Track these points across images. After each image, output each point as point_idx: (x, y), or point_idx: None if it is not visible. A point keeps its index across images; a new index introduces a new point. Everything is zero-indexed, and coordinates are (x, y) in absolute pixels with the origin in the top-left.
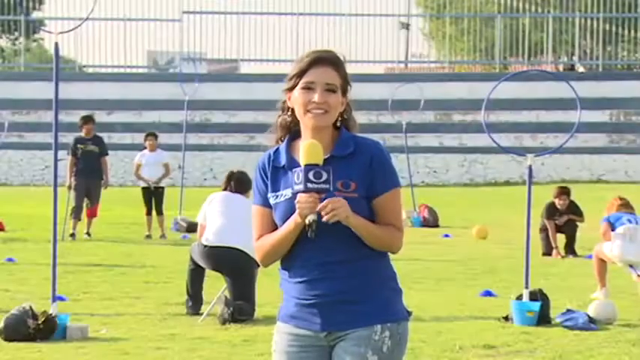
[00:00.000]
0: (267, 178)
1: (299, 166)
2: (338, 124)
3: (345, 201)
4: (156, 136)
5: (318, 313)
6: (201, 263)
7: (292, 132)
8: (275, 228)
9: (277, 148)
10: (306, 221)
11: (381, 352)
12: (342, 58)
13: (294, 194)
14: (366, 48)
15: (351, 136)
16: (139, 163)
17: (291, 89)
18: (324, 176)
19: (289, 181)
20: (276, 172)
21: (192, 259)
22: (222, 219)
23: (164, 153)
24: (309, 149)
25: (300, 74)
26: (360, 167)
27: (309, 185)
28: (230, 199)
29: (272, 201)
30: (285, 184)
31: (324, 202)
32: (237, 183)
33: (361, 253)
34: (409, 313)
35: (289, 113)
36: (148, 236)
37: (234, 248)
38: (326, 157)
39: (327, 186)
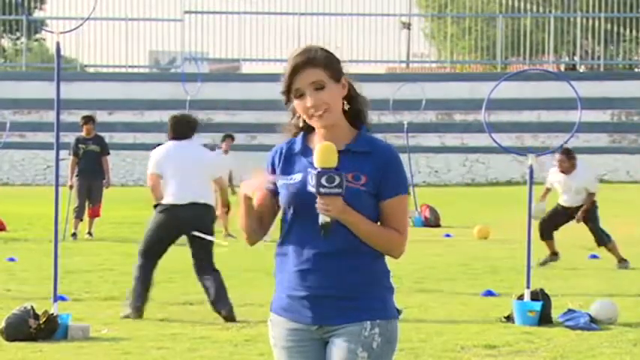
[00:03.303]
0: (274, 169)
1: (312, 154)
2: (347, 107)
3: (341, 200)
4: (232, 138)
5: (308, 306)
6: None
7: (308, 129)
8: (271, 213)
9: (294, 139)
10: (319, 222)
11: (372, 348)
12: (318, 50)
13: (303, 180)
14: (368, 48)
15: (370, 138)
16: None
17: (288, 100)
18: (337, 180)
19: (301, 166)
20: (289, 157)
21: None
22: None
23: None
24: (323, 152)
25: (288, 87)
26: (373, 166)
27: (322, 190)
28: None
29: (280, 183)
30: (297, 168)
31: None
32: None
33: (358, 246)
34: (399, 312)
35: (301, 117)
36: (230, 235)
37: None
38: (342, 149)
39: (340, 190)
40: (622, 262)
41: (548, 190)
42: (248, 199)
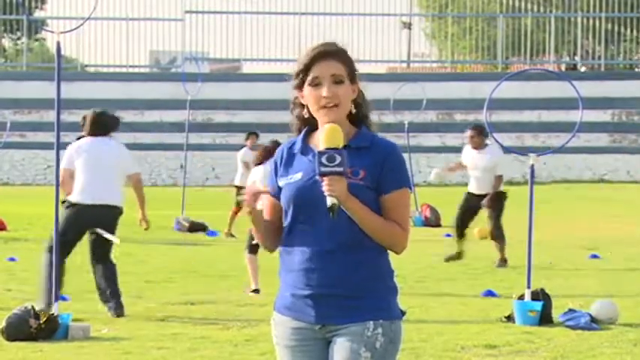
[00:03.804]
0: (277, 170)
1: (311, 153)
2: (353, 111)
3: (345, 182)
4: (257, 135)
5: (312, 305)
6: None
7: (311, 124)
8: (279, 215)
9: (294, 140)
10: (328, 204)
11: (375, 348)
12: (343, 47)
13: (303, 178)
14: (368, 48)
15: (370, 134)
16: (247, 161)
17: (300, 87)
18: (338, 159)
19: (301, 165)
20: (290, 157)
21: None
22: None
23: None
24: (328, 132)
25: (305, 70)
26: (372, 161)
27: (322, 169)
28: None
29: (282, 183)
30: (296, 167)
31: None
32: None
33: (362, 243)
34: (403, 313)
35: (305, 110)
36: (231, 235)
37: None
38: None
39: (341, 169)
40: (503, 262)
41: (460, 165)
42: (255, 213)
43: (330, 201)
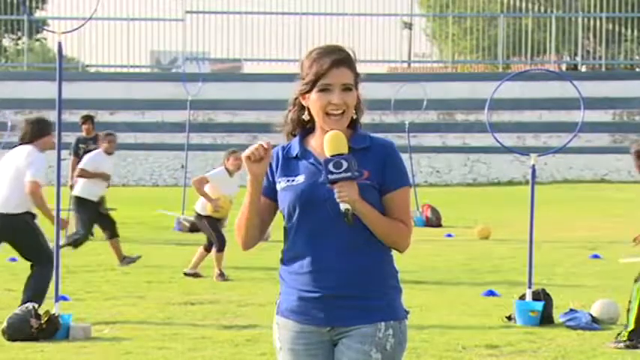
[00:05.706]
0: (272, 171)
1: (312, 157)
2: (354, 116)
3: (355, 186)
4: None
5: (321, 307)
6: None
7: (305, 128)
8: (269, 218)
9: (290, 144)
10: (342, 209)
11: (385, 350)
12: (352, 53)
13: (307, 181)
14: (369, 48)
15: (367, 134)
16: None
17: (308, 92)
18: (345, 165)
19: (302, 168)
20: (287, 161)
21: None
22: None
23: None
24: (332, 139)
25: (317, 79)
26: (374, 160)
27: (331, 177)
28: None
29: (281, 185)
30: (297, 170)
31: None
32: None
33: (367, 245)
34: (406, 312)
35: (305, 112)
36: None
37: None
38: None
39: (349, 174)
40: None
41: None
42: (258, 169)
43: (343, 207)
